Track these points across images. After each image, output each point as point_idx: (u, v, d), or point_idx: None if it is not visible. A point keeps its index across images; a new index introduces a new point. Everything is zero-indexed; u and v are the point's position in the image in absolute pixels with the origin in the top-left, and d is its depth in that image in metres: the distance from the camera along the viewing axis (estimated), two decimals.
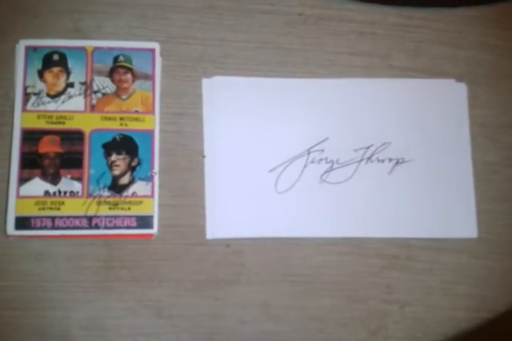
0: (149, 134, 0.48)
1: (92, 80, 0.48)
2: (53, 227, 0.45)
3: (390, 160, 0.50)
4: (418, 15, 0.53)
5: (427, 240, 0.49)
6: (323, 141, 0.49)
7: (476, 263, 0.49)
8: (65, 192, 0.46)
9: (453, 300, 0.48)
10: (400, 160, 0.50)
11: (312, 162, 0.49)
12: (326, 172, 0.49)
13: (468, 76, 0.52)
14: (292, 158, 0.49)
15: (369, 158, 0.50)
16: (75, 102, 0.48)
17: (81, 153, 0.47)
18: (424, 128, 0.51)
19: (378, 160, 0.50)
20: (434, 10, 0.53)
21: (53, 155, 0.46)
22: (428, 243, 0.48)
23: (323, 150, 0.49)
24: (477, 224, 0.49)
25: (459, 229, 0.49)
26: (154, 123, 0.48)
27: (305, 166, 0.49)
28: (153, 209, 0.46)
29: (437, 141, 0.50)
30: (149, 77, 0.49)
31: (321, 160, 0.49)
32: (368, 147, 0.50)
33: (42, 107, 0.47)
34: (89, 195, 0.46)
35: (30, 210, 0.45)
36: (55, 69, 0.48)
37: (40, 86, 0.48)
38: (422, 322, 0.47)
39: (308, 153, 0.49)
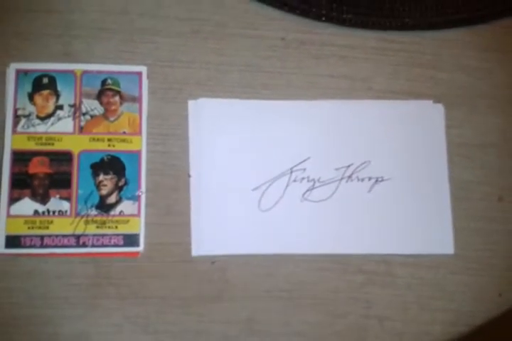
0: (136, 155, 0.49)
1: (80, 103, 0.50)
2: (42, 246, 0.47)
3: (370, 178, 0.51)
4: (397, 39, 0.55)
5: (405, 256, 0.50)
6: (305, 160, 0.51)
7: (452, 278, 0.50)
8: (54, 212, 0.47)
9: (430, 314, 0.50)
10: (380, 179, 0.52)
11: (294, 181, 0.51)
12: (307, 190, 0.51)
13: (445, 97, 0.54)
14: (275, 177, 0.51)
15: (349, 177, 0.51)
16: (64, 124, 0.49)
17: (69, 174, 0.48)
18: (403, 147, 0.52)
19: (358, 179, 0.51)
20: (413, 33, 0.55)
21: (43, 175, 0.48)
22: (406, 259, 0.50)
23: (305, 170, 0.51)
24: (454, 241, 0.51)
25: (436, 246, 0.51)
26: (141, 143, 0.50)
27: (288, 185, 0.51)
28: (139, 227, 0.48)
29: (415, 160, 0.52)
30: (136, 99, 0.51)
31: (303, 179, 0.51)
32: (348, 166, 0.52)
33: (32, 129, 0.49)
34: (77, 214, 0.48)
35: (20, 229, 0.47)
36: (45, 92, 0.50)
37: (30, 108, 0.49)
38: (400, 337, 0.49)
39: (291, 172, 0.51)
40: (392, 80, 0.54)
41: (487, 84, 0.55)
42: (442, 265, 0.51)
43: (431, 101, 0.54)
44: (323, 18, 0.54)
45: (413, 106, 0.54)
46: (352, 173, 0.51)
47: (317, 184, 0.51)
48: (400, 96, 0.54)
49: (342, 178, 0.51)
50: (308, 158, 0.51)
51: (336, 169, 0.51)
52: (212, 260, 0.49)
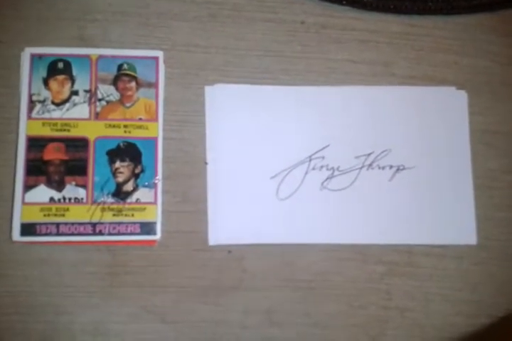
0: (153, 141, 0.49)
1: (96, 88, 0.49)
2: (58, 233, 0.46)
3: (391, 167, 0.51)
4: (420, 24, 0.53)
5: (427, 246, 0.50)
6: (325, 148, 0.50)
7: (475, 269, 0.50)
8: (70, 199, 0.47)
9: (452, 306, 0.49)
10: (401, 167, 0.51)
11: (313, 169, 0.50)
12: (327, 179, 0.50)
13: (469, 83, 0.53)
14: (294, 165, 0.50)
15: (370, 165, 0.51)
16: (79, 110, 0.49)
17: (85, 160, 0.48)
18: (425, 135, 0.52)
19: (379, 167, 0.51)
20: (436, 18, 0.54)
21: (58, 162, 0.47)
22: (428, 249, 0.50)
23: (324, 157, 0.50)
24: (477, 231, 0.50)
25: (459, 236, 0.50)
26: (158, 130, 0.49)
27: (306, 173, 0.50)
28: (156, 215, 0.47)
29: (438, 148, 0.51)
30: (153, 85, 0.50)
31: (322, 167, 0.50)
32: (369, 154, 0.51)
33: (47, 115, 0.48)
34: (94, 202, 0.47)
35: (36, 217, 0.46)
36: (60, 77, 0.49)
37: (45, 94, 0.49)
38: (421, 328, 0.48)
39: (310, 160, 0.50)
40: (414, 66, 0.53)
41: (510, 70, 0.54)
42: (465, 255, 0.50)
43: (454, 88, 0.53)
44: (344, 2, 0.53)
45: (436, 93, 0.53)
46: (372, 161, 0.51)
47: (336, 172, 0.50)
48: (423, 83, 0.53)
49: (362, 166, 0.50)
50: (328, 145, 0.51)
51: (356, 157, 0.51)
52: (229, 249, 0.48)
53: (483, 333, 0.49)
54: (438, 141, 0.52)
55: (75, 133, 0.48)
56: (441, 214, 0.50)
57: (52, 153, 0.48)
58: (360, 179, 0.50)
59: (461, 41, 0.54)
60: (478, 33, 0.54)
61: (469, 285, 0.50)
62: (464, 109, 0.52)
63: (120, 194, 0.48)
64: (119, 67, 0.50)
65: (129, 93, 0.50)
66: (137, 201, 0.48)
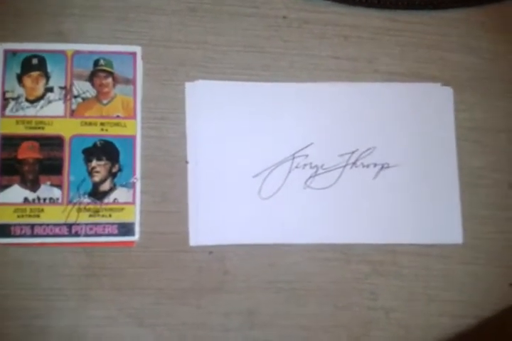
0: (131, 140, 0.47)
1: (71, 85, 0.48)
2: (33, 235, 0.45)
3: (375, 165, 0.50)
4: (403, 19, 0.53)
5: (412, 246, 0.49)
6: (308, 146, 0.49)
7: (461, 269, 0.49)
8: (45, 199, 0.46)
9: (438, 306, 0.48)
10: (385, 165, 0.50)
11: (297, 167, 0.49)
12: (310, 177, 0.49)
13: (454, 80, 0.52)
14: (276, 164, 0.49)
15: (354, 163, 0.50)
16: (54, 107, 0.47)
17: (61, 159, 0.46)
18: (410, 132, 0.51)
19: (363, 166, 0.50)
20: (420, 13, 0.53)
21: (32, 161, 0.46)
22: (413, 249, 0.49)
23: (307, 156, 0.49)
24: (463, 230, 0.49)
25: (445, 235, 0.49)
26: (136, 128, 0.48)
27: (289, 171, 0.49)
28: (134, 216, 0.46)
29: (423, 145, 0.51)
30: (130, 81, 0.49)
31: (305, 165, 0.49)
32: (353, 152, 0.50)
33: (21, 112, 0.47)
34: (69, 202, 0.46)
35: (10, 218, 0.45)
36: (34, 74, 0.48)
37: (18, 91, 0.47)
38: (406, 329, 0.48)
39: (293, 158, 0.49)
40: (398, 62, 0.52)
41: (497, 66, 0.53)
42: (451, 255, 0.49)
43: (439, 84, 0.52)
44: None
45: (421, 89, 0.52)
46: (356, 159, 0.50)
47: (320, 171, 0.49)
48: (407, 79, 0.52)
49: (346, 165, 0.50)
50: (311, 143, 0.50)
51: (340, 155, 0.50)
52: (211, 250, 0.47)
53: (469, 334, 0.48)
54: (423, 138, 0.51)
55: (49, 131, 0.47)
56: (426, 212, 0.50)
57: (27, 152, 0.46)
58: (344, 177, 0.49)
59: (447, 37, 0.53)
60: (464, 28, 0.53)
61: (455, 285, 0.49)
62: (449, 105, 0.52)
63: (97, 194, 0.46)
64: (96, 63, 0.49)
65: (106, 90, 0.48)
66: (115, 201, 0.46)
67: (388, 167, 0.50)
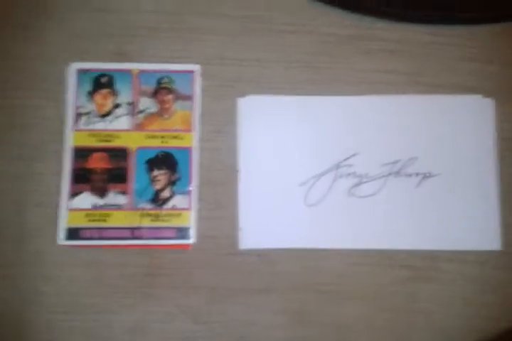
0: (188, 151, 0.51)
1: (137, 101, 0.52)
2: (100, 237, 0.49)
3: (417, 174, 0.51)
4: (446, 33, 0.54)
5: (451, 252, 0.50)
6: (352, 156, 0.52)
7: (498, 274, 0.50)
8: (112, 205, 0.50)
9: (475, 310, 0.49)
10: (427, 175, 0.51)
11: (341, 176, 0.51)
12: (354, 186, 0.51)
13: (495, 91, 0.53)
14: (322, 173, 0.51)
15: (397, 173, 0.51)
16: (121, 122, 0.51)
17: (126, 169, 0.50)
18: (451, 143, 0.52)
19: (406, 175, 0.51)
20: (461, 27, 0.54)
21: (101, 170, 0.50)
22: (452, 255, 0.50)
23: (351, 165, 0.51)
24: (501, 237, 0.50)
25: (483, 242, 0.50)
26: (192, 140, 0.51)
27: (334, 180, 0.51)
28: (190, 221, 0.50)
29: (464, 155, 0.52)
30: (189, 97, 0.52)
31: (349, 174, 0.51)
32: (396, 162, 0.52)
33: (91, 126, 0.51)
34: (134, 208, 0.50)
35: (80, 222, 0.49)
36: (104, 91, 0.52)
37: (90, 106, 0.52)
38: (445, 331, 0.49)
39: (338, 167, 0.51)
40: (441, 74, 0.53)
41: None
42: (489, 261, 0.50)
43: (480, 96, 0.53)
44: (372, 13, 0.54)
45: (462, 101, 0.53)
46: (400, 169, 0.52)
47: (364, 180, 0.51)
48: (449, 91, 0.53)
49: (389, 174, 0.51)
50: (356, 153, 0.52)
51: (383, 165, 0.52)
52: (259, 253, 0.50)
53: (504, 336, 0.49)
54: (464, 148, 0.52)
55: (117, 143, 0.51)
56: (466, 220, 0.51)
57: (97, 162, 0.51)
58: (387, 186, 0.51)
59: (487, 50, 0.54)
60: (504, 42, 0.54)
61: (492, 290, 0.50)
62: (490, 116, 0.53)
63: (158, 200, 0.50)
64: (159, 81, 0.52)
65: (167, 105, 0.52)
66: (173, 207, 0.50)
67: (430, 176, 0.52)
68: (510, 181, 0.51)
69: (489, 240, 0.50)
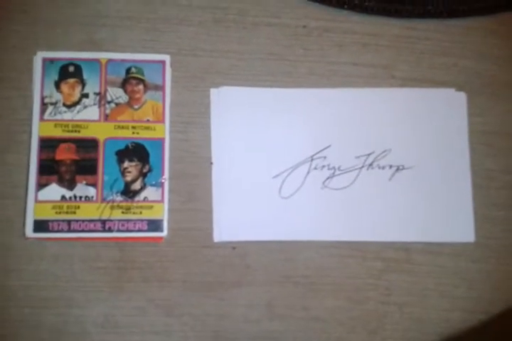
0: (160, 142, 0.53)
1: (105, 91, 0.54)
2: (69, 230, 0.51)
3: (391, 166, 0.55)
4: (420, 27, 0.57)
5: (425, 244, 0.53)
6: (326, 148, 0.54)
7: (472, 266, 0.53)
8: (81, 197, 0.51)
9: (449, 302, 0.53)
10: (400, 167, 0.55)
11: (315, 168, 0.54)
12: (328, 178, 0.54)
13: (468, 85, 0.56)
14: (296, 165, 0.54)
15: (370, 165, 0.55)
16: (89, 112, 0.53)
17: (95, 160, 0.52)
18: (424, 136, 0.55)
19: (379, 167, 0.55)
20: (435, 21, 0.57)
21: (69, 162, 0.52)
22: (426, 247, 0.53)
23: (325, 157, 0.54)
24: (475, 229, 0.54)
25: (457, 234, 0.54)
26: (164, 131, 0.53)
27: (308, 172, 0.54)
28: (163, 213, 0.52)
29: (437, 148, 0.55)
30: (160, 88, 0.54)
31: (323, 166, 0.54)
32: (369, 154, 0.55)
33: (58, 116, 0.53)
34: (103, 200, 0.52)
35: (48, 214, 0.51)
36: (71, 81, 0.54)
37: (56, 96, 0.53)
38: (419, 323, 0.52)
39: (312, 160, 0.54)
40: (414, 68, 0.56)
41: (509, 72, 0.57)
42: (463, 253, 0.53)
43: (453, 90, 0.56)
44: (346, 6, 0.57)
45: (435, 94, 0.56)
46: (373, 161, 0.55)
47: (337, 172, 0.54)
48: (422, 84, 0.56)
49: (363, 166, 0.54)
50: (329, 145, 0.55)
51: (357, 157, 0.55)
52: (234, 246, 0.52)
53: (479, 329, 0.52)
54: (437, 141, 0.55)
55: (85, 134, 0.53)
56: (439, 212, 0.54)
57: (64, 153, 0.52)
58: (360, 178, 0.54)
59: (461, 44, 0.57)
60: (478, 36, 0.57)
61: (466, 282, 0.53)
62: (463, 110, 0.56)
63: (128, 192, 0.52)
64: (128, 71, 0.54)
65: (137, 95, 0.54)
66: (145, 199, 0.52)
67: (403, 169, 0.55)
68: (483, 173, 0.55)
69: (463, 232, 0.54)
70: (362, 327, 0.52)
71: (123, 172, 0.52)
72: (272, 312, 0.51)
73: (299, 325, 0.51)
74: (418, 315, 0.52)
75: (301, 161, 0.54)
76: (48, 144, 0.52)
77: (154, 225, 0.51)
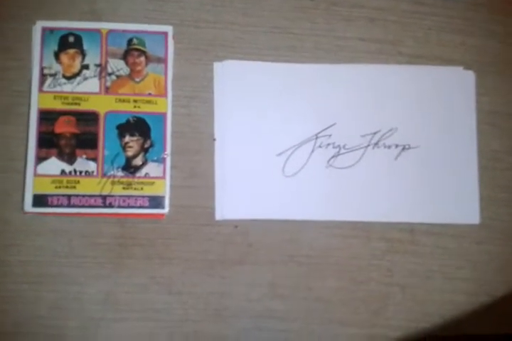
0: (162, 117, 0.53)
1: (106, 62, 0.53)
2: (69, 205, 0.51)
3: (397, 146, 0.55)
4: (429, 2, 0.57)
5: (429, 225, 0.54)
6: (331, 126, 0.55)
7: (477, 248, 0.54)
8: (81, 172, 0.51)
9: (453, 284, 0.53)
10: (406, 147, 0.55)
11: (320, 147, 0.54)
12: (333, 157, 0.54)
13: (476, 64, 0.56)
14: (300, 143, 0.54)
15: (376, 144, 0.55)
16: (90, 84, 0.53)
17: (96, 134, 0.52)
18: (431, 115, 0.55)
19: (385, 146, 0.55)
20: None
21: (69, 135, 0.52)
22: (431, 228, 0.54)
23: (330, 136, 0.54)
24: (480, 211, 0.54)
25: (462, 215, 0.54)
26: (166, 106, 0.53)
27: (312, 151, 0.54)
28: (164, 189, 0.52)
29: (443, 128, 0.55)
30: (162, 60, 0.54)
31: (328, 145, 0.54)
32: (375, 133, 0.55)
33: (58, 88, 0.52)
34: (104, 175, 0.51)
35: (47, 188, 0.51)
36: (71, 51, 0.53)
37: (56, 67, 0.52)
38: (421, 305, 0.53)
39: (316, 137, 0.54)
40: (422, 44, 0.56)
41: None
42: (467, 234, 0.54)
43: (461, 68, 0.56)
44: None
45: (443, 73, 0.56)
46: (379, 140, 0.55)
47: (342, 150, 0.54)
48: (430, 62, 0.56)
49: (368, 145, 0.55)
50: (334, 123, 0.55)
51: (362, 136, 0.55)
52: (236, 224, 0.52)
53: (482, 311, 0.53)
54: (444, 120, 0.56)
55: (85, 106, 0.52)
56: (445, 193, 0.54)
57: (64, 127, 0.52)
58: (365, 157, 0.55)
59: (469, 21, 0.57)
60: (486, 14, 0.57)
61: (470, 264, 0.54)
62: (471, 89, 0.56)
63: (130, 168, 0.52)
64: (129, 42, 0.54)
65: (139, 68, 0.54)
66: (146, 175, 0.52)
67: (409, 148, 0.55)
68: (489, 154, 0.55)
69: (467, 214, 0.54)
70: (365, 308, 0.52)
71: (124, 147, 0.52)
72: (274, 291, 0.52)
73: (301, 305, 0.52)
74: (421, 297, 0.53)
75: (305, 139, 0.54)
76: (48, 117, 0.51)
77: (156, 202, 0.51)
